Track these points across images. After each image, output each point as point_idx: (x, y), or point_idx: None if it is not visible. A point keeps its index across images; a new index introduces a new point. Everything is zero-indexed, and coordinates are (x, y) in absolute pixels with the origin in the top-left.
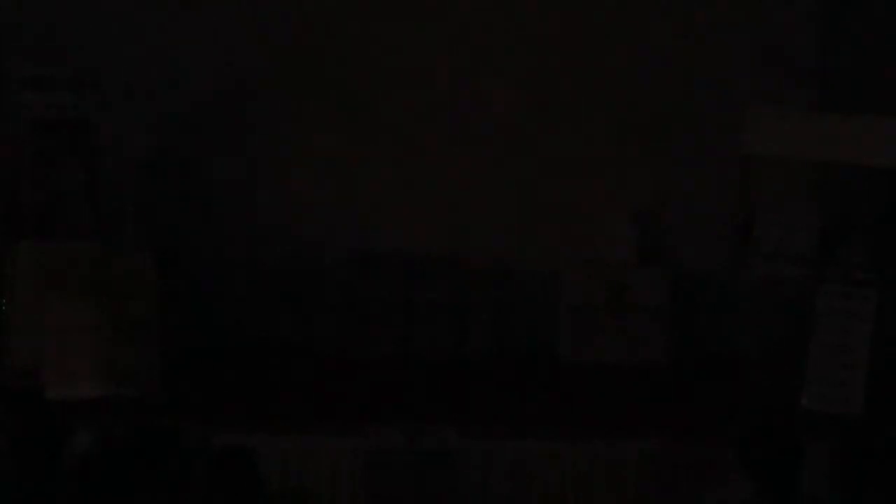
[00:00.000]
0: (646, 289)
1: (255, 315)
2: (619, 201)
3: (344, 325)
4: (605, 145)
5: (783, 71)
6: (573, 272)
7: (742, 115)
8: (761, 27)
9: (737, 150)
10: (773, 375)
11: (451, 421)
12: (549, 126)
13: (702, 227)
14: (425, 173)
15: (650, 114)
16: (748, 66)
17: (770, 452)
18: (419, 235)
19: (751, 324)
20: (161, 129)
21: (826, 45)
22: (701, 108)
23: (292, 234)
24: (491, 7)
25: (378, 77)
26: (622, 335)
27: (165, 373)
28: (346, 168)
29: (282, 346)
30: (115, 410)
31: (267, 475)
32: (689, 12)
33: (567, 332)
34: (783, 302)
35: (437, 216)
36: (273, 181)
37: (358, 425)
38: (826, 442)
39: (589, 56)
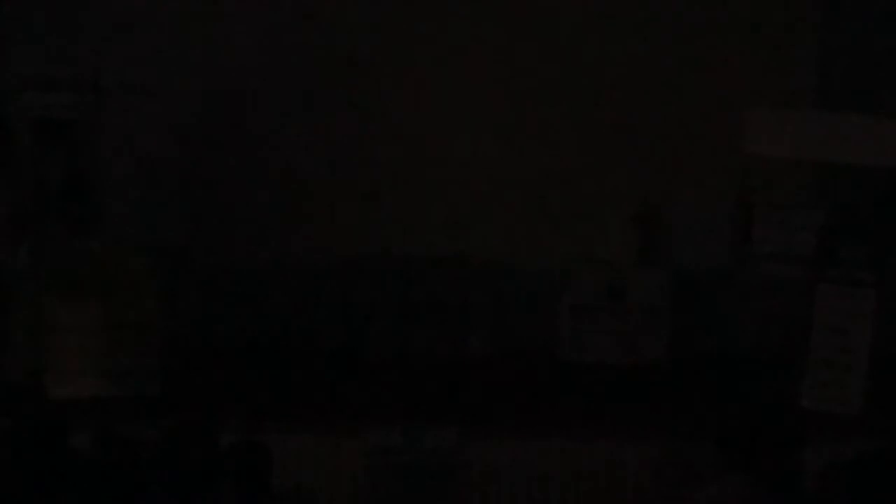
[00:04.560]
0: (646, 289)
1: (255, 315)
2: (620, 201)
3: (344, 326)
4: (605, 145)
5: (783, 71)
6: (573, 272)
7: (742, 115)
8: (761, 28)
9: (736, 151)
10: (773, 375)
11: (451, 421)
12: (550, 126)
13: (702, 227)
14: (426, 173)
15: (650, 114)
16: (748, 66)
17: (761, 445)
18: (419, 235)
19: (751, 324)
20: (164, 130)
21: (826, 45)
22: (701, 109)
23: (293, 234)
24: (492, 8)
25: (379, 78)
26: (622, 335)
27: (166, 373)
28: (347, 168)
29: (282, 346)
30: (115, 410)
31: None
32: (689, 13)
33: (567, 332)
34: (783, 302)
35: (437, 216)
36: (274, 182)
37: (358, 425)
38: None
39: (589, 57)
